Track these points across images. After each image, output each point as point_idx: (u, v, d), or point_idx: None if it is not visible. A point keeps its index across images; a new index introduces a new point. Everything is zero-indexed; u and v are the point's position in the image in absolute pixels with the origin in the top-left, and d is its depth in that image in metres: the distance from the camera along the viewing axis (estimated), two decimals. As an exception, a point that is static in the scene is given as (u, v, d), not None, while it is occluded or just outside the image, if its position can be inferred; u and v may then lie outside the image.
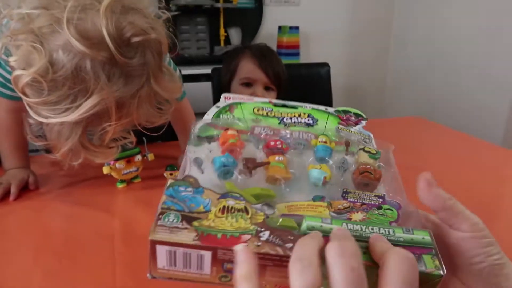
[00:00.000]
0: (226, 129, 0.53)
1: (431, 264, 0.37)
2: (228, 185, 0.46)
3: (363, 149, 0.52)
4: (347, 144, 0.54)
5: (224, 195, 0.41)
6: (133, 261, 0.57)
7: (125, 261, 0.56)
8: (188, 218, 0.38)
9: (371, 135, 0.60)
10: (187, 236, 0.36)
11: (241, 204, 0.40)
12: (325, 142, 0.52)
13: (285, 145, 0.52)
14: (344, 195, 0.47)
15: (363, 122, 0.63)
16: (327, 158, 0.51)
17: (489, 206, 0.83)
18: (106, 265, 0.56)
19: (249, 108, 0.62)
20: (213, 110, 0.60)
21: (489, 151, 1.17)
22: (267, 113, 0.61)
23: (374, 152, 0.52)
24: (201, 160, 0.48)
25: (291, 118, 0.61)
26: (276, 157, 0.49)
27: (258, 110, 0.62)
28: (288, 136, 0.56)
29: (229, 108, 0.62)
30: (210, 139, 0.52)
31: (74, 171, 1.07)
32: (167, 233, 0.36)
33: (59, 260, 0.58)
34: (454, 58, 2.62)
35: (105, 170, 0.91)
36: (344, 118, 0.63)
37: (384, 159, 0.52)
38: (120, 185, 0.92)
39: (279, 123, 0.60)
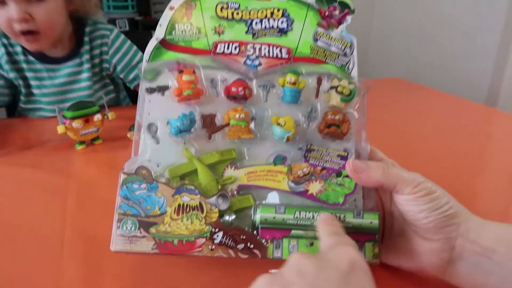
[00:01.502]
0: (181, 71, 0.46)
1: (371, 253, 0.41)
2: (186, 153, 0.44)
3: (336, 89, 0.47)
4: (319, 82, 0.47)
5: (178, 190, 0.41)
6: (84, 223, 0.54)
7: (76, 224, 0.55)
8: (145, 224, 0.40)
9: (354, 41, 0.51)
10: (146, 245, 0.39)
11: (196, 200, 0.41)
12: (294, 83, 0.46)
13: (248, 91, 0.46)
14: (306, 154, 0.46)
15: (348, 19, 0.53)
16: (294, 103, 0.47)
17: (473, 162, 0.80)
18: (55, 228, 0.55)
19: (211, 8, 0.51)
20: (165, 18, 0.50)
21: (472, 110, 1.14)
22: (232, 15, 0.51)
23: (348, 92, 0.46)
24: (155, 127, 0.45)
25: (261, 21, 0.51)
26: (237, 115, 0.45)
27: (222, 9, 0.51)
28: (255, 57, 0.48)
29: (186, 11, 0.51)
30: (162, 89, 0.46)
31: (28, 133, 0.94)
32: (127, 243, 0.39)
33: (5, 225, 0.55)
34: (441, 19, 2.14)
35: (60, 129, 0.80)
36: (326, 14, 0.53)
37: (356, 102, 0.47)
38: (79, 147, 0.81)
39: (247, 32, 0.51)
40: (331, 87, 0.47)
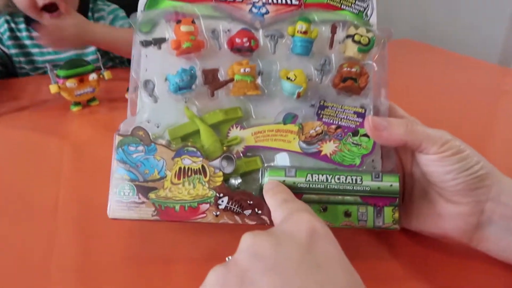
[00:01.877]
0: (179, 22, 0.41)
1: (390, 218, 0.37)
2: (187, 112, 0.41)
3: (352, 38, 0.41)
4: (334, 30, 0.42)
5: (179, 152, 0.37)
6: (80, 187, 0.52)
7: (71, 187, 0.51)
8: (144, 189, 0.37)
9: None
10: (146, 212, 0.36)
11: (198, 163, 0.37)
12: (305, 32, 0.41)
13: (254, 42, 0.41)
14: (319, 112, 0.41)
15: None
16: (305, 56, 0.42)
17: (485, 124, 0.75)
18: (49, 191, 0.51)
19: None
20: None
21: (485, 70, 1.08)
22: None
23: (366, 42, 0.41)
24: (152, 84, 0.41)
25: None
26: (242, 69, 0.40)
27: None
28: (261, 4, 0.43)
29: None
30: (159, 41, 0.42)
31: (21, 94, 0.89)
32: (125, 210, 0.36)
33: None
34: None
35: (53, 88, 0.75)
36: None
37: (376, 53, 0.42)
38: (74, 108, 0.77)
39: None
40: (347, 36, 0.42)
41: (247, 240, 0.28)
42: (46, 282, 0.37)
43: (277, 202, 0.34)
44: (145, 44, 0.42)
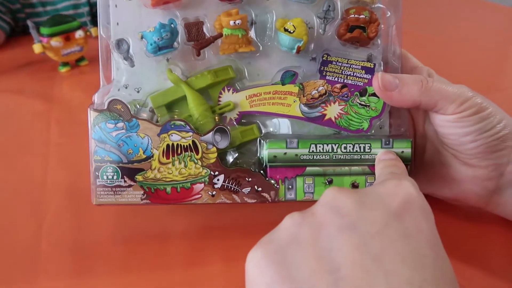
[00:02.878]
0: (151, -37, 0.34)
1: (401, 188, 0.34)
2: (171, 76, 0.35)
3: (361, -24, 0.35)
4: (338, -33, 0.35)
5: (165, 127, 0.33)
6: (69, 152, 0.49)
7: (60, 153, 0.48)
8: (130, 171, 0.33)
9: None
10: (134, 196, 0.33)
11: (188, 139, 0.33)
12: (304, -29, 0.34)
13: (244, -14, 0.34)
14: (322, 68, 0.36)
15: None
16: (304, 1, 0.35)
17: (500, 71, 0.70)
18: (37, 157, 0.48)
19: None
20: None
21: (498, 13, 1.02)
22: None
23: (377, -20, 0.35)
24: (126, 44, 0.35)
25: None
26: (231, 21, 0.34)
27: None
28: None
29: None
30: (130, -11, 0.34)
31: (4, 55, 0.80)
32: (111, 195, 0.33)
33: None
34: None
35: (36, 48, 0.68)
36: None
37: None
38: (62, 69, 0.71)
39: None
40: (355, -26, 0.35)
41: (330, 193, 0.25)
42: (36, 259, 0.35)
43: (384, 173, 0.31)
44: (113, -7, 0.34)
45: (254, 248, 0.24)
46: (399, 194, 0.25)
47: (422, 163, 0.38)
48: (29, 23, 0.68)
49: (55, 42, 0.69)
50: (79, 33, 0.71)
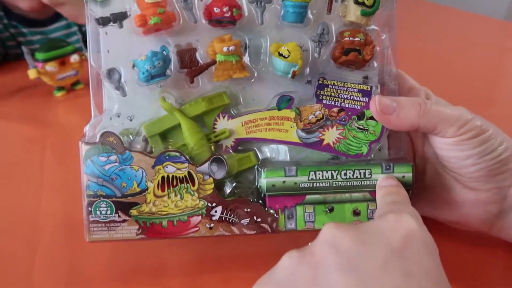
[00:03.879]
0: (141, -10, 0.33)
1: (403, 213, 0.34)
2: (164, 104, 0.34)
3: (356, -2, 0.34)
4: (332, -10, 0.34)
5: (159, 159, 0.32)
6: (64, 182, 0.47)
7: (55, 181, 0.47)
8: (124, 206, 0.31)
9: None
10: (128, 231, 0.32)
11: (183, 170, 0.32)
12: (298, -7, 0.33)
13: (236, 11, 0.34)
14: (318, 92, 0.35)
15: None
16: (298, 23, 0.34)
17: (490, 82, 0.71)
18: (31, 185, 0.47)
19: None
20: None
21: (489, 26, 1.04)
22: None
23: (371, 2, 0.34)
24: (117, 73, 0.34)
25: None
26: (225, 47, 0.33)
27: None
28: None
29: None
30: (119, 17, 0.34)
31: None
32: (105, 231, 0.32)
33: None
34: None
35: (32, 74, 0.67)
36: None
37: (382, 15, 0.35)
38: (58, 94, 0.70)
39: None
40: (349, -4, 0.35)
41: (328, 231, 0.25)
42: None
43: (385, 201, 0.31)
44: (102, 22, 0.33)
45: None
46: (399, 229, 0.24)
47: (423, 185, 0.37)
48: (24, 48, 0.68)
49: (50, 67, 0.68)
50: (74, 57, 0.71)
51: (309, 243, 0.27)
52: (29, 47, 0.70)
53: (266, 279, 0.24)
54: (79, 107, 0.67)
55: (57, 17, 0.97)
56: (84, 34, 0.99)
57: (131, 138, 0.34)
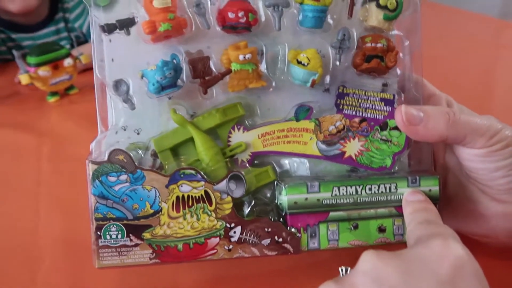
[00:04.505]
0: (149, -6, 0.30)
1: (430, 229, 0.32)
2: (175, 117, 0.32)
3: (377, 2, 0.32)
4: (353, -6, 0.32)
5: (173, 177, 0.29)
6: (63, 194, 0.45)
7: (53, 194, 0.45)
8: (136, 229, 0.29)
9: None
10: (141, 255, 0.29)
11: (199, 189, 0.30)
12: (317, -2, 0.31)
13: (252, 16, 0.31)
14: (338, 101, 0.33)
15: None
16: (317, 28, 0.32)
17: (485, 79, 0.71)
18: (27, 197, 0.45)
19: None
20: None
21: (484, 23, 1.03)
22: None
23: (394, 6, 0.32)
24: (125, 85, 0.31)
25: None
26: (240, 55, 0.31)
27: None
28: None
29: None
30: (126, 24, 0.31)
31: None
32: (115, 256, 0.29)
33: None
34: None
35: (24, 79, 0.64)
36: None
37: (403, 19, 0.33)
38: (51, 99, 0.68)
39: None
40: (370, 0, 0.33)
41: (369, 261, 0.23)
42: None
43: (417, 220, 0.28)
44: (108, 29, 0.31)
45: None
46: (447, 257, 0.22)
47: (445, 197, 0.35)
48: (16, 52, 0.65)
49: (43, 71, 0.66)
50: (68, 61, 0.68)
51: (342, 267, 0.25)
52: (20, 52, 0.66)
53: None
54: (74, 113, 0.64)
55: (47, 22, 0.96)
56: (73, 41, 0.98)
57: (140, 154, 0.32)
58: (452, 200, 0.35)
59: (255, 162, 0.33)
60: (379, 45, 0.33)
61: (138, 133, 0.33)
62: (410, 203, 0.31)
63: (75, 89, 0.71)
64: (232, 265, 0.34)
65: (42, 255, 0.37)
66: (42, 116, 0.64)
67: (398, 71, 0.34)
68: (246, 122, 0.33)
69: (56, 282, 0.35)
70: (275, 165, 0.33)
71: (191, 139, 0.32)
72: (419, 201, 0.31)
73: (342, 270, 0.26)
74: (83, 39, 1.01)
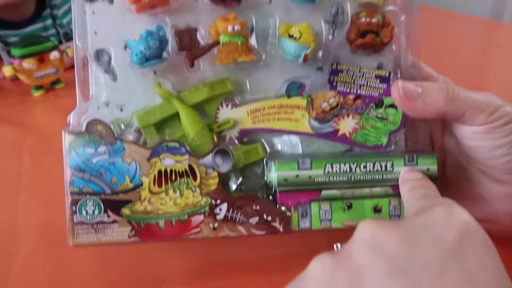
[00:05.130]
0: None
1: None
2: (160, 91, 0.30)
3: (372, -24, 0.31)
4: (346, -34, 0.32)
5: (156, 150, 0.28)
6: (43, 187, 0.44)
7: (33, 187, 0.44)
8: (114, 204, 0.27)
9: None
10: (120, 233, 0.27)
11: (183, 163, 0.28)
12: (309, -31, 0.30)
13: (242, -13, 0.30)
14: (332, 78, 0.32)
15: None
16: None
17: (477, 79, 0.71)
18: (7, 193, 0.43)
19: None
20: None
21: (476, 24, 1.04)
22: None
23: (389, -20, 0.31)
24: (107, 55, 0.30)
25: None
26: (229, 27, 0.30)
27: None
28: None
29: None
30: (110, -8, 0.30)
31: None
32: (92, 233, 0.27)
33: None
34: None
35: (7, 71, 0.63)
36: None
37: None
38: (36, 93, 0.66)
39: None
40: (364, -26, 0.32)
41: (367, 229, 0.21)
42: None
43: (416, 196, 0.26)
44: (90, -3, 0.30)
45: None
46: (453, 224, 0.20)
47: (444, 180, 0.34)
48: None
49: (28, 64, 0.64)
50: (54, 54, 0.66)
51: (338, 244, 0.23)
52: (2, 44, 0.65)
53: None
54: (59, 108, 0.62)
55: (34, 19, 0.95)
56: (58, 28, 0.96)
57: (123, 128, 0.30)
58: (451, 183, 0.33)
59: (244, 139, 0.31)
60: (374, 20, 0.32)
61: (121, 110, 0.31)
62: (407, 181, 0.29)
63: (62, 83, 0.69)
64: (219, 247, 0.32)
65: (19, 245, 0.35)
66: (26, 110, 0.62)
67: (394, 48, 0.33)
68: (235, 99, 0.32)
69: (33, 271, 0.32)
70: (265, 143, 0.32)
71: (176, 115, 0.31)
72: (417, 179, 0.29)
73: (337, 246, 0.24)
74: (72, 36, 1.00)
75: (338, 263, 0.20)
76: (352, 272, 0.19)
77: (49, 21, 0.96)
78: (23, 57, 0.63)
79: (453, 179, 0.33)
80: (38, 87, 0.67)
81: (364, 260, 0.19)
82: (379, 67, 0.33)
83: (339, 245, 0.24)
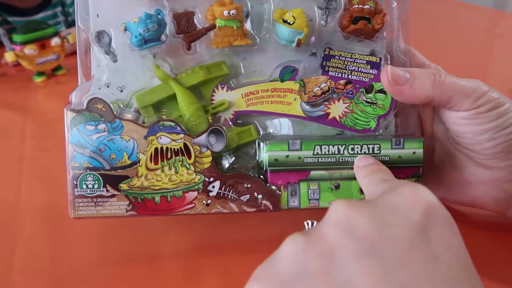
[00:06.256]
0: None
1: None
2: (158, 72, 0.32)
3: (365, -37, 0.32)
4: (340, -47, 0.32)
5: (152, 129, 0.29)
6: (45, 170, 0.45)
7: (35, 169, 0.45)
8: (113, 179, 0.29)
9: None
10: (118, 207, 0.29)
11: (178, 141, 0.29)
12: (304, -43, 0.31)
13: (238, -28, 0.31)
14: (324, 63, 0.33)
15: None
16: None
17: (480, 69, 0.71)
18: (10, 176, 0.44)
19: None
20: None
21: (479, 13, 1.04)
22: None
23: (382, -32, 0.32)
24: (107, 37, 0.31)
25: None
26: (225, 11, 0.31)
27: None
28: None
29: None
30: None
31: None
32: (91, 206, 0.29)
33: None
34: None
35: (9, 57, 0.64)
36: None
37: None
38: (38, 79, 0.67)
39: None
40: (358, -39, 0.33)
41: (339, 210, 0.21)
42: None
43: (375, 181, 0.27)
44: (92, -20, 0.31)
45: (250, 284, 0.20)
46: (418, 203, 0.21)
47: (432, 166, 0.35)
48: (0, 30, 0.65)
49: (29, 50, 0.65)
50: (55, 41, 0.67)
51: (308, 221, 0.24)
52: (5, 30, 0.66)
53: (266, 271, 0.20)
54: (60, 94, 0.63)
55: (44, 6, 0.95)
56: (67, 15, 0.97)
57: (122, 107, 0.31)
58: (439, 169, 0.35)
59: (238, 121, 0.33)
60: (366, 7, 0.33)
61: (121, 90, 0.32)
62: (363, 168, 0.29)
63: (63, 69, 0.70)
64: (213, 228, 0.34)
65: (23, 224, 0.36)
66: (28, 95, 0.63)
67: (385, 34, 0.34)
68: (231, 82, 0.33)
69: (36, 249, 0.34)
70: (258, 125, 0.33)
71: (173, 96, 0.32)
72: (370, 165, 0.30)
73: (308, 224, 0.25)
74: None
75: (310, 243, 0.20)
76: (324, 253, 0.20)
77: (58, 8, 0.96)
78: (25, 43, 0.64)
79: (441, 165, 0.35)
80: (40, 73, 0.68)
81: (336, 241, 0.20)
82: (372, 53, 0.34)
83: (309, 222, 0.25)
